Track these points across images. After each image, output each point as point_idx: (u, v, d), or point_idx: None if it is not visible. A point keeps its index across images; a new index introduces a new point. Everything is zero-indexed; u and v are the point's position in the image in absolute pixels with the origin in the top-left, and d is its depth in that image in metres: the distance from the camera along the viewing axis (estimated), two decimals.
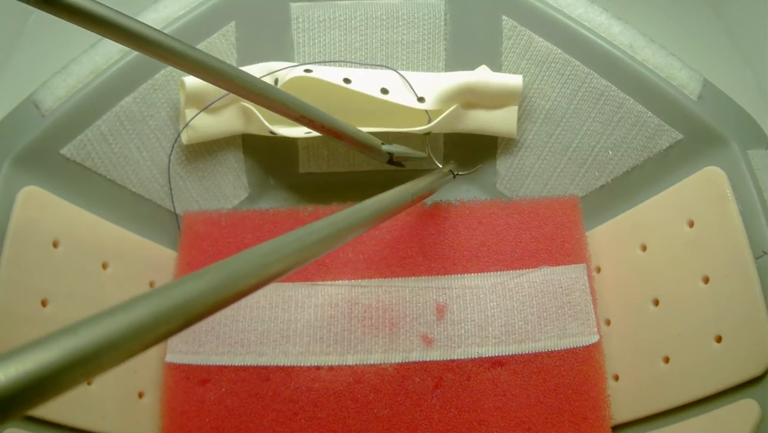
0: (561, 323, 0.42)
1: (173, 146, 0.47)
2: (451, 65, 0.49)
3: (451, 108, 0.47)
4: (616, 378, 0.42)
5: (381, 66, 0.49)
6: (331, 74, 0.46)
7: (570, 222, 0.46)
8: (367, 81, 0.46)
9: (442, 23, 0.48)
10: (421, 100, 0.47)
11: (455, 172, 0.47)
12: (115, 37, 0.25)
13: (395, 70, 0.48)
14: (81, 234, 0.41)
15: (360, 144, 0.40)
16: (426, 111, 0.47)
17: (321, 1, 0.47)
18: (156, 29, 0.27)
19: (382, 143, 0.43)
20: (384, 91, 0.46)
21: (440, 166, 0.50)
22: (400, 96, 0.46)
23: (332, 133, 0.37)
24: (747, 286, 0.36)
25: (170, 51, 0.27)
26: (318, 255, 0.23)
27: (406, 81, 0.47)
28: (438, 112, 0.47)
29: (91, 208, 0.42)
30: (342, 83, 0.45)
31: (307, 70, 0.46)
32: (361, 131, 0.40)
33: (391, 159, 0.44)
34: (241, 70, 0.31)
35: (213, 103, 0.46)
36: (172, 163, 0.47)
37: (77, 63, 0.42)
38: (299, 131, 0.47)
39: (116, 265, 0.43)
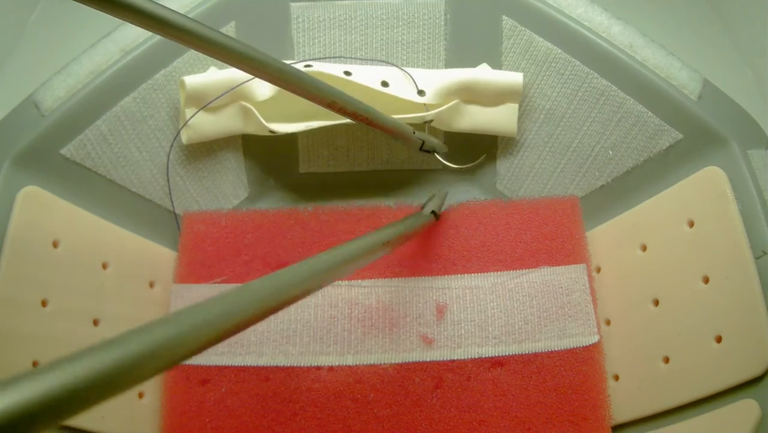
0: (561, 323, 0.42)
1: (171, 145, 0.47)
2: (451, 65, 0.49)
3: (452, 102, 0.47)
4: (616, 378, 0.42)
5: (382, 62, 0.49)
6: (331, 68, 0.46)
7: (570, 222, 0.46)
8: (367, 74, 0.46)
9: (442, 23, 0.48)
10: (421, 93, 0.47)
11: (438, 213, 0.45)
12: (139, 22, 0.25)
13: (397, 66, 0.48)
14: (81, 234, 0.41)
15: (392, 131, 0.40)
16: (425, 104, 0.47)
17: (321, 1, 0.47)
18: (182, 15, 0.27)
19: (414, 131, 0.42)
20: (384, 84, 0.46)
21: (444, 161, 0.50)
22: (401, 89, 0.46)
23: (364, 119, 0.37)
24: (747, 286, 0.36)
25: (196, 36, 0.27)
26: (287, 304, 0.23)
27: (408, 74, 0.47)
28: (438, 108, 0.47)
29: (91, 209, 0.42)
30: (342, 75, 0.45)
31: (307, 65, 0.46)
32: (393, 119, 0.40)
33: (422, 146, 0.44)
34: (270, 56, 0.31)
35: (213, 101, 0.46)
36: (172, 163, 0.47)
37: (77, 63, 0.42)
38: (299, 125, 0.47)
39: (116, 265, 0.43)
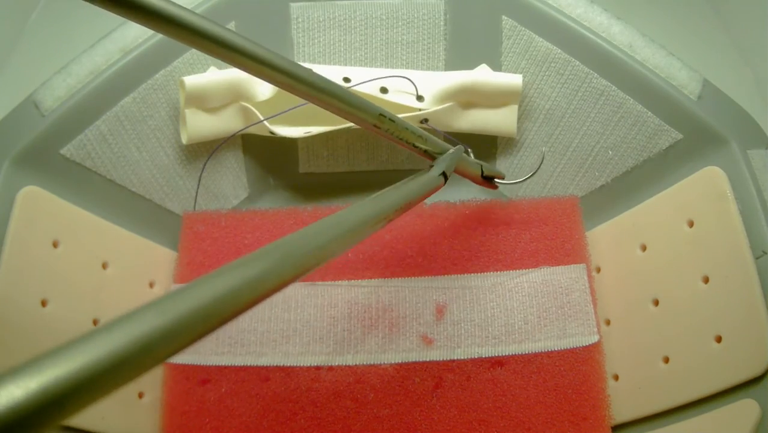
0: (561, 323, 0.42)
1: (209, 157, 0.47)
2: (451, 65, 0.49)
3: (447, 104, 0.47)
4: (616, 378, 0.42)
5: (381, 68, 0.49)
6: (330, 73, 0.46)
7: (570, 222, 0.46)
8: (366, 80, 0.46)
9: (442, 23, 0.48)
10: (420, 99, 0.47)
11: (447, 174, 0.37)
12: (141, 20, 0.23)
13: (398, 75, 0.48)
14: (81, 234, 0.41)
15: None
16: (419, 109, 0.47)
17: (321, 1, 0.47)
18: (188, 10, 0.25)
19: (468, 151, 0.40)
20: (383, 90, 0.46)
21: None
22: (400, 95, 0.47)
23: (412, 148, 0.34)
24: (747, 286, 0.36)
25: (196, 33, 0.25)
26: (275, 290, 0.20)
27: (407, 80, 0.47)
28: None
29: (91, 209, 0.42)
30: (341, 82, 0.45)
31: None
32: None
33: (483, 174, 0.42)
34: (304, 68, 0.28)
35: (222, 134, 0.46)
36: (172, 162, 0.47)
37: (77, 63, 0.42)
38: (299, 131, 0.47)
39: (116, 265, 0.43)
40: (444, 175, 0.37)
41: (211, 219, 0.48)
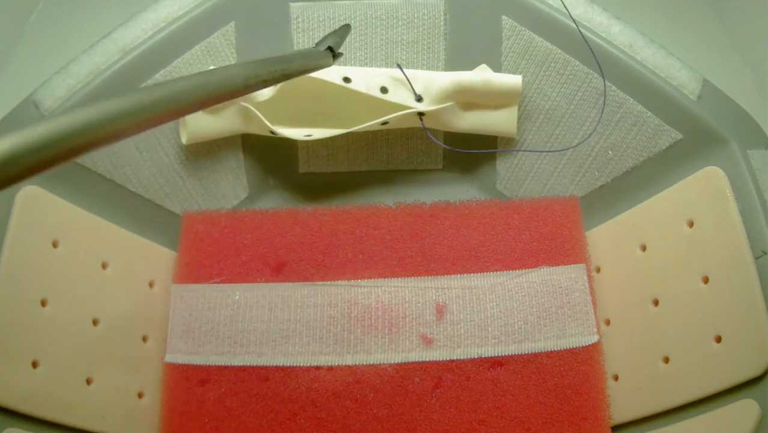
0: (560, 323, 0.42)
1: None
2: (451, 65, 0.49)
3: (447, 104, 0.47)
4: (616, 378, 0.42)
5: (382, 69, 0.49)
6: (330, 73, 0.46)
7: (570, 222, 0.46)
8: (366, 80, 0.46)
9: (442, 23, 0.48)
10: (419, 99, 0.47)
11: (336, 51, 0.35)
12: None
13: (398, 66, 0.47)
14: (81, 234, 0.41)
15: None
16: (418, 112, 0.47)
17: (321, 1, 0.47)
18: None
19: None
20: (383, 90, 0.46)
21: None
22: (399, 95, 0.46)
23: None
24: (747, 286, 0.36)
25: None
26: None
27: (407, 79, 0.47)
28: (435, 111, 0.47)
29: (91, 209, 0.42)
30: (342, 83, 0.45)
31: None
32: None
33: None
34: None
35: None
36: (172, 162, 0.47)
37: (77, 63, 0.42)
38: (299, 133, 0.47)
39: (116, 265, 0.43)
40: (331, 50, 0.35)
41: (210, 219, 0.48)
